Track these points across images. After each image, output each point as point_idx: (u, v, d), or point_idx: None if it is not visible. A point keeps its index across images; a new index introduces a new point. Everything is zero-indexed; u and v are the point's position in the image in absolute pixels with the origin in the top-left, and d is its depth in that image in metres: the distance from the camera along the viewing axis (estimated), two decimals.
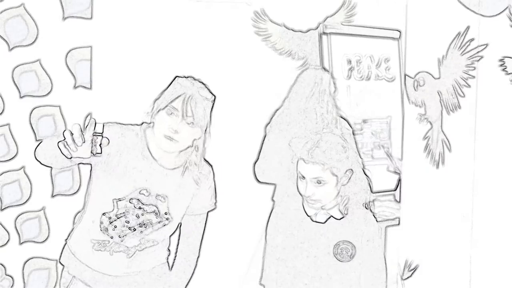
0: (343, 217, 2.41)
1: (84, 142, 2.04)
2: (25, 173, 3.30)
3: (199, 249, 2.62)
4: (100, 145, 2.08)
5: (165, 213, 2.42)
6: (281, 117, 3.81)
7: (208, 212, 2.59)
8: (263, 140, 3.85)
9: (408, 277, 2.95)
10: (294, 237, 2.42)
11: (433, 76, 2.85)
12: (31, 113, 3.27)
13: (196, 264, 2.62)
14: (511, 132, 2.72)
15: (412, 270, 2.94)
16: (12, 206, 3.30)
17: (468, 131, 2.68)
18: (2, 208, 3.28)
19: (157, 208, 2.39)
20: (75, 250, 2.50)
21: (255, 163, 3.75)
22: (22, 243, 3.34)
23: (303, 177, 2.38)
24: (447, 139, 2.77)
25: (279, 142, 3.64)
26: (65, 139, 2.05)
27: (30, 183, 3.32)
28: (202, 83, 2.44)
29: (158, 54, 3.79)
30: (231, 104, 4.06)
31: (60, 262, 2.58)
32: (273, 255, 2.49)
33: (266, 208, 3.88)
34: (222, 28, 3.98)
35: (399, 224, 3.13)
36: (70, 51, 3.31)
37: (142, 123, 2.45)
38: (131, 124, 2.46)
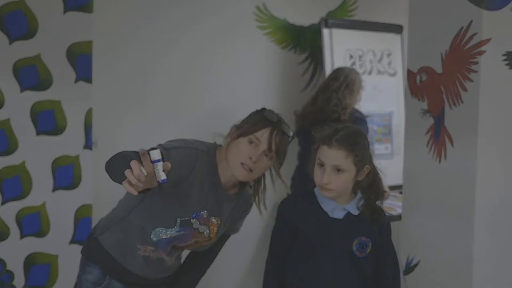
0: (359, 213, 2.40)
1: (146, 175, 1.96)
2: (25, 167, 3.30)
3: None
4: (163, 171, 2.00)
5: (215, 234, 2.43)
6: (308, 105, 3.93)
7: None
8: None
9: (409, 272, 2.95)
10: (311, 233, 2.40)
11: (435, 71, 2.83)
12: (32, 107, 3.27)
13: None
14: None
15: (413, 265, 2.93)
16: (12, 200, 3.29)
17: (470, 125, 2.66)
18: (3, 202, 3.27)
19: (208, 229, 2.40)
20: (112, 250, 2.42)
21: None
22: (23, 237, 3.33)
23: (322, 164, 2.34)
24: (449, 133, 2.75)
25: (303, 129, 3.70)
26: (126, 178, 1.96)
27: (31, 178, 3.31)
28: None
29: (159, 48, 3.78)
30: (230, 99, 4.07)
31: (84, 254, 2.50)
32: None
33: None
34: (224, 22, 3.98)
35: (400, 219, 3.12)
36: (71, 45, 3.30)
37: (214, 142, 2.41)
38: (205, 142, 2.41)
